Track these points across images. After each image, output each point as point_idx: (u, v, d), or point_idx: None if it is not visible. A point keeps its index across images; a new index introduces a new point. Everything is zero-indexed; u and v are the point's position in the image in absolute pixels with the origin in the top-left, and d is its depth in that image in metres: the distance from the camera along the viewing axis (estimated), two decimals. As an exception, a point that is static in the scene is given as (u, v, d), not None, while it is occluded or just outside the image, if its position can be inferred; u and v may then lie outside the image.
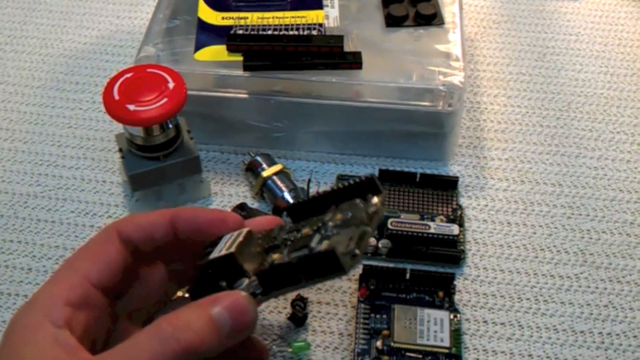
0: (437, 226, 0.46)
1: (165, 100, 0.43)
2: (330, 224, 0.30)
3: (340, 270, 0.28)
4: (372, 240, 0.46)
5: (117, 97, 0.44)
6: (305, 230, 0.32)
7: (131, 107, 0.43)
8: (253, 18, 0.52)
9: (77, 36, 0.62)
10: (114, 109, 0.43)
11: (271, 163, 0.49)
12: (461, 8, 0.53)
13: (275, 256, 0.31)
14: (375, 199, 0.31)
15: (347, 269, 0.28)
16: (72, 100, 0.57)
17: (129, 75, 0.45)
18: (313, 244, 0.30)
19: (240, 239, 0.31)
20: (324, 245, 0.29)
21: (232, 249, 0.31)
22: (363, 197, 0.32)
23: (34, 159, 0.52)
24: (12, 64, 0.59)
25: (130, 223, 0.33)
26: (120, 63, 0.60)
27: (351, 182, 0.32)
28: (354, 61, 0.48)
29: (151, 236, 0.33)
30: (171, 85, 0.44)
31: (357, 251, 0.29)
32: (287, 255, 0.30)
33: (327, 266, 0.28)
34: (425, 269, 0.45)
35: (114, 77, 0.45)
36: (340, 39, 0.49)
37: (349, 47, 0.50)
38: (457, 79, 0.47)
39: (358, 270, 0.44)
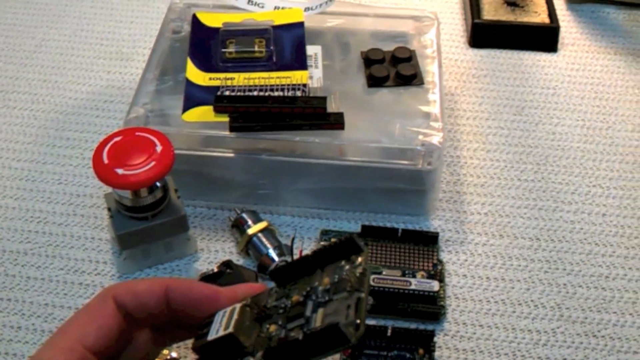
0: (418, 282, 0.47)
1: (153, 163, 0.45)
2: (320, 288, 0.31)
3: (346, 342, 0.29)
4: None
5: (106, 161, 0.45)
6: (295, 298, 0.32)
7: (120, 171, 0.45)
8: (239, 79, 0.54)
9: (68, 92, 0.64)
10: (103, 173, 0.45)
11: (257, 220, 0.50)
12: (440, 67, 0.55)
13: (272, 328, 0.31)
14: (359, 259, 0.32)
15: (354, 340, 0.29)
16: (63, 156, 0.58)
17: (118, 139, 0.47)
18: (308, 312, 0.30)
19: (236, 316, 0.32)
20: (320, 314, 0.30)
21: (231, 329, 0.31)
22: (347, 258, 0.33)
23: (24, 216, 0.54)
24: (3, 120, 0.61)
25: (125, 290, 0.34)
26: (110, 119, 0.61)
27: (331, 243, 0.33)
28: (336, 122, 0.50)
29: (146, 305, 0.34)
30: (159, 148, 0.46)
31: (358, 321, 0.29)
32: (283, 326, 0.31)
33: (333, 340, 0.29)
34: (406, 326, 0.46)
35: (104, 141, 0.47)
36: (323, 100, 0.50)
37: (331, 107, 0.51)
38: (436, 139, 0.49)
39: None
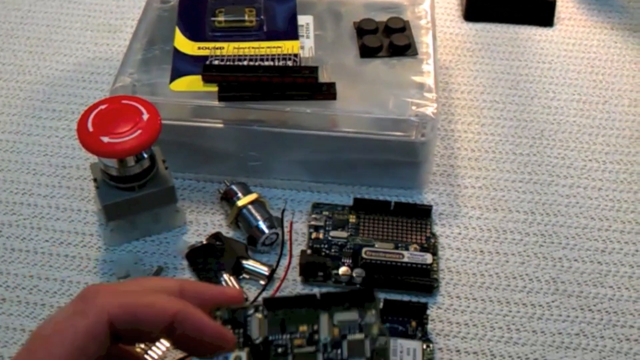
0: (410, 255, 0.46)
1: (139, 132, 0.44)
2: (329, 339, 0.30)
3: None
4: (346, 270, 0.46)
5: (91, 129, 0.44)
6: (298, 341, 0.31)
7: (105, 139, 0.43)
8: (229, 48, 0.52)
9: (54, 63, 0.62)
10: (88, 141, 0.43)
11: (246, 192, 0.49)
12: (434, 38, 0.54)
13: None
14: (374, 328, 0.31)
15: None
16: (49, 127, 0.57)
17: (103, 106, 0.45)
18: None
19: None
20: None
21: None
22: (357, 306, 0.31)
23: (9, 188, 0.52)
24: (-11, 92, 0.60)
25: (123, 312, 0.30)
26: (97, 90, 0.60)
27: (343, 291, 0.32)
28: (328, 92, 0.49)
29: (143, 332, 0.31)
30: (145, 116, 0.45)
31: None
32: None
33: None
34: (398, 298, 0.45)
35: (89, 109, 0.45)
36: (314, 70, 0.49)
37: (323, 77, 0.50)
38: (429, 109, 0.48)
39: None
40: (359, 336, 0.31)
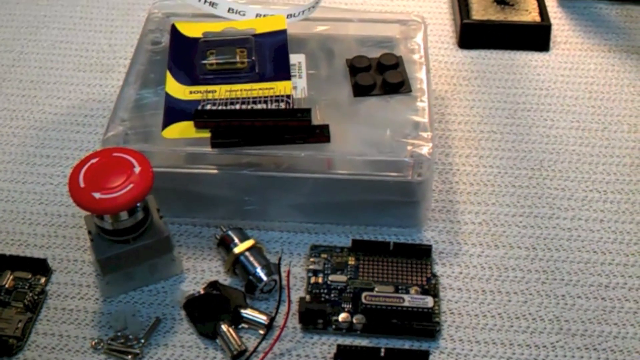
0: (411, 299, 0.45)
1: (131, 186, 0.43)
2: None
3: None
4: (347, 316, 0.45)
5: (82, 184, 0.43)
6: None
7: (97, 195, 0.43)
8: (221, 91, 0.52)
9: (47, 107, 0.62)
10: (79, 197, 0.43)
11: (243, 238, 0.49)
12: (428, 72, 0.53)
13: None
14: None
15: None
16: (43, 175, 0.56)
17: (94, 160, 0.45)
18: None
19: None
20: None
21: None
22: None
23: (4, 239, 0.52)
24: (-18, 139, 0.59)
25: None
26: (91, 134, 0.59)
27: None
28: (321, 135, 0.48)
29: None
30: (137, 169, 0.44)
31: None
32: None
33: None
34: (400, 345, 0.44)
35: (80, 163, 0.45)
36: (307, 112, 0.49)
37: (317, 118, 0.50)
38: (425, 149, 0.47)
39: (333, 349, 0.44)
40: None
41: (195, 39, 0.56)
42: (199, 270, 0.49)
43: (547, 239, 0.50)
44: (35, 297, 0.48)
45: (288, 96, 0.51)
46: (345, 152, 0.48)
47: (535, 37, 0.64)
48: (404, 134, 0.49)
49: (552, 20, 0.65)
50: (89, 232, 0.46)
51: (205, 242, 0.51)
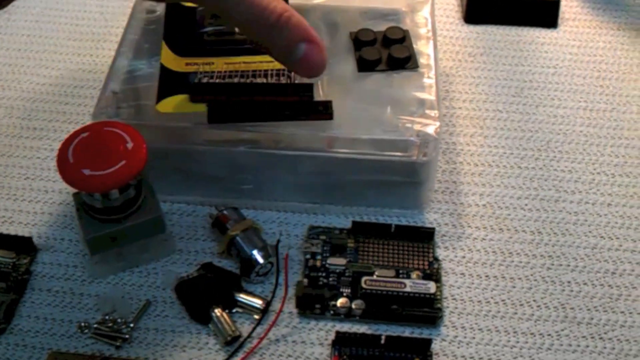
0: (412, 284, 0.44)
1: (123, 162, 0.41)
2: None
3: None
4: (345, 301, 0.44)
5: (71, 160, 0.41)
6: None
7: (87, 172, 0.41)
8: (219, 64, 0.49)
9: (35, 77, 0.59)
10: (68, 174, 0.41)
11: (239, 218, 0.47)
12: (436, 48, 0.51)
13: None
14: None
15: None
16: (30, 148, 0.54)
17: (84, 134, 0.43)
18: None
19: None
20: None
21: None
22: None
23: (-11, 214, 0.50)
24: (-33, 110, 0.57)
25: None
26: (81, 106, 0.57)
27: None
28: (324, 112, 0.46)
29: None
30: (130, 145, 0.42)
31: None
32: None
33: None
34: (401, 332, 0.43)
35: (69, 137, 0.43)
36: (309, 87, 0.46)
37: (319, 94, 0.47)
38: (431, 128, 0.45)
39: (331, 336, 0.42)
40: None
41: (193, 8, 0.53)
42: (193, 251, 0.47)
43: (553, 222, 0.49)
44: (20, 278, 0.46)
45: (289, 70, 0.49)
46: (348, 130, 0.46)
47: (543, 14, 0.62)
48: (409, 111, 0.47)
49: (561, -5, 0.63)
50: (77, 210, 0.44)
51: (199, 221, 0.49)
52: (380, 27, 0.52)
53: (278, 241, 0.45)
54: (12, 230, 0.49)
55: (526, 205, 0.50)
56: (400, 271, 0.45)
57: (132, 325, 0.43)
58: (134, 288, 0.46)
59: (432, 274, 0.45)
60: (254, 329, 0.43)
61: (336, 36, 0.53)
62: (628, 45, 0.61)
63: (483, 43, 0.61)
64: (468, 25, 0.63)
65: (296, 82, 0.48)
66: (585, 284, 0.46)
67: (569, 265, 0.47)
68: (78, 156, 0.41)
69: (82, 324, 0.44)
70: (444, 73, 0.58)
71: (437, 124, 0.46)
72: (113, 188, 0.41)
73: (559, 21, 0.63)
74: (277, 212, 0.50)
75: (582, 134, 0.54)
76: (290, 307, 0.44)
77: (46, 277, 0.46)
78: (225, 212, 0.47)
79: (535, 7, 0.62)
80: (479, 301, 0.45)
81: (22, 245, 0.47)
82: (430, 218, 0.49)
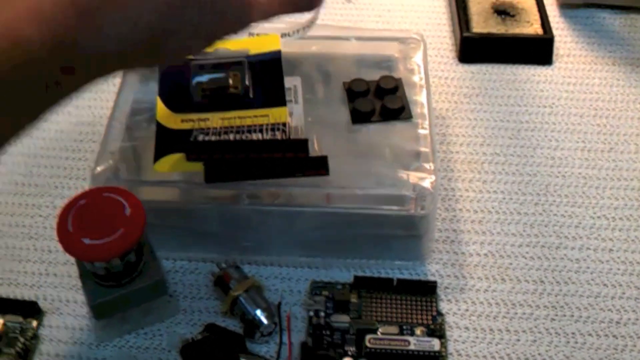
0: (417, 342, 0.44)
1: (121, 230, 0.41)
2: None
3: None
4: None
5: (71, 229, 0.41)
6: None
7: (87, 241, 0.41)
8: (214, 119, 0.50)
9: (34, 130, 0.59)
10: (69, 244, 0.41)
11: (241, 277, 0.47)
12: (429, 96, 0.51)
13: None
14: None
15: None
16: (32, 206, 0.54)
17: (83, 201, 0.43)
18: None
19: None
20: None
21: None
22: None
23: (-8, 277, 0.50)
24: (-33, 169, 0.57)
25: None
26: (81, 160, 0.57)
27: None
28: (320, 167, 0.46)
29: None
30: (128, 211, 0.42)
31: None
32: None
33: None
34: (406, 390, 0.43)
35: (68, 205, 0.43)
36: (304, 143, 0.46)
37: (314, 149, 0.48)
38: (428, 181, 0.46)
39: (336, 397, 0.43)
40: None
41: (187, 61, 0.54)
42: (196, 311, 0.48)
43: (555, 271, 0.49)
44: (28, 343, 0.46)
45: (284, 124, 0.49)
46: (344, 185, 0.46)
47: (537, 51, 0.62)
48: (405, 164, 0.47)
49: (555, 32, 0.63)
50: (81, 276, 0.45)
51: (201, 279, 0.49)
52: (374, 75, 0.52)
53: (280, 302, 0.45)
54: (17, 292, 0.49)
55: (527, 253, 0.50)
56: (404, 327, 0.45)
57: (138, 390, 0.44)
58: (140, 351, 0.46)
59: (436, 329, 0.45)
60: (259, 391, 0.43)
61: (329, 86, 0.53)
62: (624, 81, 0.61)
63: (478, 83, 0.61)
64: (463, 65, 0.63)
65: (291, 137, 0.48)
66: (589, 334, 0.46)
67: (572, 316, 0.46)
68: (77, 225, 0.42)
69: (89, 391, 0.44)
70: (439, 116, 0.58)
71: (433, 177, 0.46)
72: (114, 257, 0.41)
73: (554, 57, 0.63)
74: (278, 267, 0.50)
75: (580, 175, 0.54)
76: (295, 367, 0.44)
77: (54, 341, 0.46)
78: (227, 270, 0.47)
79: (530, 44, 0.62)
80: (484, 356, 0.45)
81: (29, 309, 0.47)
82: (432, 269, 0.49)
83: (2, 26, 0.30)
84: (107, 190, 0.44)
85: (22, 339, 0.46)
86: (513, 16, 0.64)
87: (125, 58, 0.35)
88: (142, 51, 0.35)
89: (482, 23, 0.64)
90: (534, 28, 0.63)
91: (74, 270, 0.50)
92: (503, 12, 0.65)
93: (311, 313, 0.46)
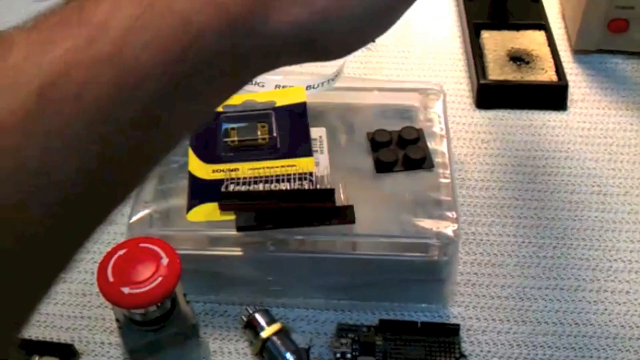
0: (441, 384, 0.45)
1: (159, 279, 0.43)
2: None
3: None
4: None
5: (111, 279, 0.44)
6: None
7: (126, 290, 0.43)
8: (244, 169, 0.52)
9: (69, 178, 0.62)
10: (109, 293, 0.43)
11: (270, 320, 0.49)
12: (449, 145, 0.53)
13: None
14: None
15: None
16: (67, 251, 0.56)
17: (122, 252, 0.45)
18: None
19: None
20: None
21: None
22: None
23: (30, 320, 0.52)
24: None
25: None
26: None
27: None
28: (346, 216, 0.48)
29: None
30: (165, 261, 0.44)
31: None
32: None
33: None
34: None
35: (108, 255, 0.45)
36: (331, 193, 0.49)
37: (340, 198, 0.50)
38: (450, 229, 0.47)
39: None
40: None
41: (216, 113, 0.56)
42: (226, 352, 0.49)
43: (574, 313, 0.50)
44: (65, 386, 0.48)
45: (311, 174, 0.51)
46: (369, 232, 0.48)
47: (552, 97, 0.64)
48: (428, 212, 0.49)
49: (569, 77, 0.65)
50: (117, 320, 0.47)
51: (231, 321, 0.51)
52: (396, 125, 0.55)
53: (309, 347, 0.47)
54: (54, 334, 0.51)
55: (547, 295, 0.51)
56: (428, 369, 0.47)
57: None
58: (172, 393, 0.48)
59: (459, 371, 0.47)
60: None
61: (353, 136, 0.55)
62: (637, 125, 0.63)
63: (495, 129, 0.63)
64: (480, 111, 0.65)
65: (318, 187, 0.50)
66: (609, 376, 0.47)
67: (591, 357, 0.48)
68: (117, 274, 0.44)
69: None
70: (458, 161, 0.60)
71: (455, 226, 0.48)
72: (152, 305, 0.44)
73: (568, 103, 0.65)
74: (305, 310, 0.51)
75: (597, 219, 0.56)
76: (324, 410, 0.46)
77: (89, 385, 0.48)
78: (256, 315, 0.49)
79: (544, 91, 0.65)
80: (506, 397, 0.46)
81: (65, 351, 0.50)
82: (454, 312, 0.51)
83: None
84: (144, 241, 0.46)
85: (60, 382, 0.48)
86: (528, 63, 0.66)
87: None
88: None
89: (498, 70, 0.66)
90: (548, 75, 0.65)
91: (107, 312, 0.52)
92: (518, 60, 0.67)
93: (338, 355, 0.48)
